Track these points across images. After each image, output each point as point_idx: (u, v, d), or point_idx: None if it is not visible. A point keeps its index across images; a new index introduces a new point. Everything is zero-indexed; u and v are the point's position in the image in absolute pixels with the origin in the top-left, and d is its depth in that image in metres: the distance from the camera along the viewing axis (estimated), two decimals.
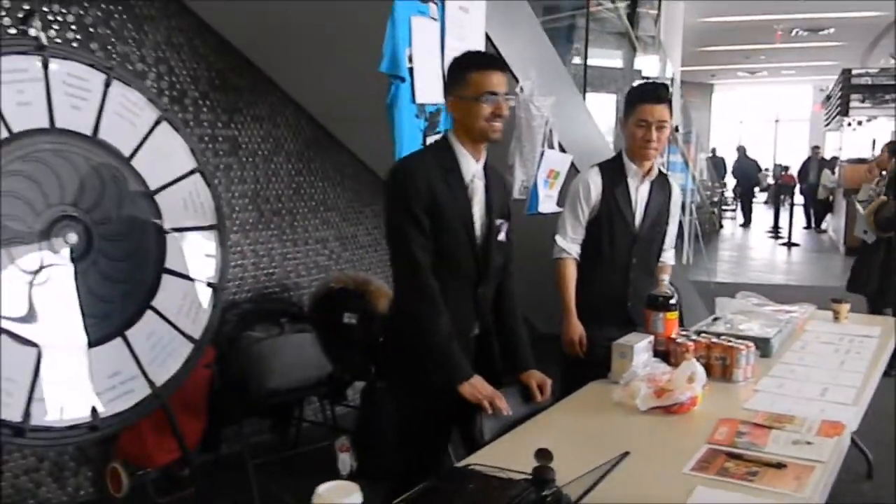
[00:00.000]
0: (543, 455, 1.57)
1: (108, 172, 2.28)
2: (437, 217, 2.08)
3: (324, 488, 1.34)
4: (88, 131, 2.25)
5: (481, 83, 2.06)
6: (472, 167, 2.15)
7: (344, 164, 4.38)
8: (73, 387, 2.19)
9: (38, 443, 2.16)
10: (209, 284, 2.53)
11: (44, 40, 2.19)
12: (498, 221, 2.22)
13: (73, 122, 2.22)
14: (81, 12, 3.21)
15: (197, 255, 2.48)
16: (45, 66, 2.18)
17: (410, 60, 2.63)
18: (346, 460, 3.56)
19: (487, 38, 3.05)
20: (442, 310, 2.07)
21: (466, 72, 2.09)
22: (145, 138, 2.39)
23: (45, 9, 3.08)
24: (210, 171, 3.64)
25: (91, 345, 2.23)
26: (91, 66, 2.30)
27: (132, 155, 2.35)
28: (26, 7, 2.99)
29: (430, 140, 2.75)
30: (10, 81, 2.11)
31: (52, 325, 2.15)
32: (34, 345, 2.12)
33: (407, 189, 2.08)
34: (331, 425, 3.95)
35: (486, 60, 2.15)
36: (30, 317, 2.10)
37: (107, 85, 2.31)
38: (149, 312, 2.37)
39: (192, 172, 2.51)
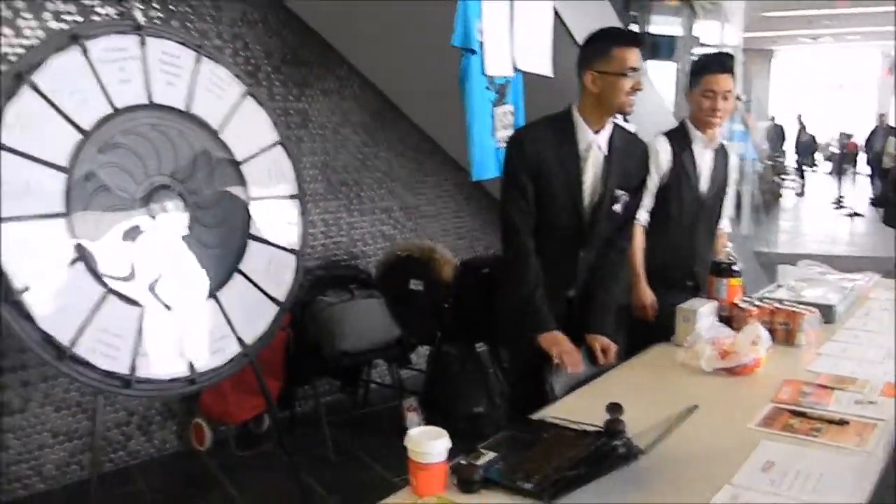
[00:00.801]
0: (614, 408, 1.67)
1: (199, 144, 2.43)
2: (543, 182, 2.21)
3: (415, 431, 1.46)
4: (182, 106, 2.40)
5: (625, 59, 2.13)
6: (588, 137, 2.23)
7: (407, 136, 4.49)
8: (172, 343, 2.37)
9: (142, 393, 2.34)
10: (291, 250, 2.67)
11: (141, 20, 2.33)
12: (617, 192, 2.29)
13: (169, 97, 2.37)
14: None
15: (279, 222, 2.63)
16: (142, 45, 2.33)
17: (480, 34, 2.71)
18: (413, 419, 3.71)
19: (555, 11, 3.10)
20: (531, 266, 2.22)
21: (610, 47, 2.15)
22: (232, 112, 2.53)
23: None
24: None
25: (187, 304, 2.40)
26: (182, 43, 2.44)
27: (221, 128, 2.50)
28: None
29: (499, 111, 2.83)
30: (112, 60, 2.27)
31: (152, 286, 2.33)
32: (137, 303, 2.30)
33: (514, 156, 2.25)
34: (397, 387, 4.12)
35: (629, 37, 2.24)
36: (131, 276, 2.28)
37: (197, 61, 2.45)
38: (237, 276, 2.52)
39: (274, 144, 2.64)
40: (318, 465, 3.47)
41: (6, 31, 2.89)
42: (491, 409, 3.81)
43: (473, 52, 2.69)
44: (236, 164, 2.53)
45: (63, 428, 3.23)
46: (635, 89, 2.15)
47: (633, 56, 2.14)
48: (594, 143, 2.24)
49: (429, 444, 1.43)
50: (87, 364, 2.16)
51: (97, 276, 2.19)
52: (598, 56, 2.16)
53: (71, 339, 2.13)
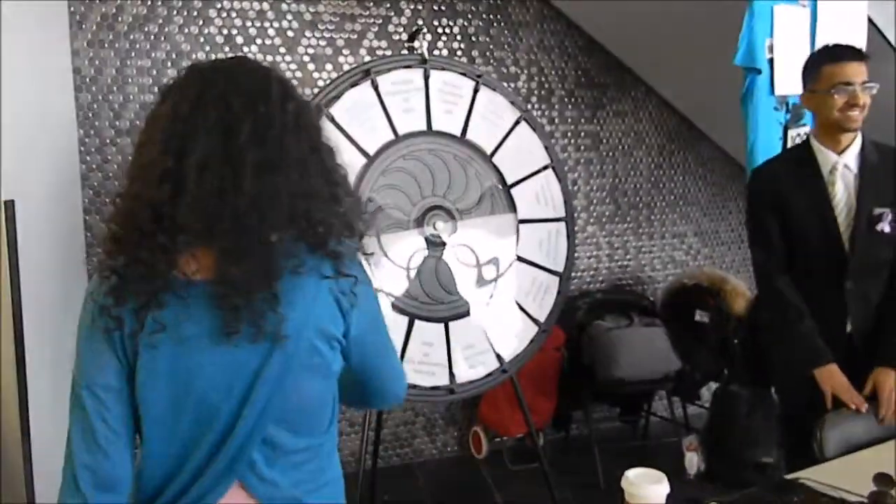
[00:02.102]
0: (883, 480, 1.44)
1: (472, 168, 2.56)
2: (789, 216, 2.15)
3: (633, 473, 1.38)
4: (458, 132, 2.55)
5: (833, 75, 2.08)
6: (831, 159, 2.13)
7: (707, 158, 4.25)
8: (436, 355, 2.52)
9: (409, 397, 2.52)
10: (555, 272, 2.69)
11: (426, 55, 2.53)
12: (877, 211, 2.10)
13: (446, 124, 2.54)
14: (465, 23, 3.62)
15: (545, 244, 2.66)
16: (426, 77, 2.53)
17: (770, 51, 2.50)
18: (692, 459, 3.50)
19: (870, 21, 2.73)
20: (787, 301, 2.13)
21: (819, 66, 2.13)
22: (505, 137, 2.62)
23: (434, 22, 3.55)
24: (569, 166, 3.87)
25: (451, 319, 2.54)
26: (463, 74, 2.59)
27: (494, 152, 2.60)
28: (418, 24, 3.49)
29: (792, 132, 2.57)
30: (398, 92, 2.49)
31: (422, 301, 2.50)
32: (407, 314, 2.49)
33: (752, 195, 2.26)
34: (681, 423, 3.91)
35: (838, 52, 2.13)
36: (406, 293, 2.48)
37: (475, 91, 2.59)
38: (499, 294, 2.61)
39: (544, 168, 2.68)
40: (585, 490, 3.42)
41: (328, 66, 3.33)
42: (782, 460, 3.44)
43: (759, 71, 2.48)
44: (507, 187, 2.61)
45: (359, 419, 3.60)
46: (851, 104, 2.04)
47: (843, 71, 2.07)
48: (839, 164, 2.12)
49: (646, 487, 1.34)
50: None
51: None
52: (810, 76, 2.15)
53: None
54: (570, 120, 3.89)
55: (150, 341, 1.10)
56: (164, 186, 1.08)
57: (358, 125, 2.42)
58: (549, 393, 3.66)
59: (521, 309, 2.63)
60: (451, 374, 2.54)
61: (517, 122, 2.65)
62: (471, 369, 2.56)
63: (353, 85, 2.43)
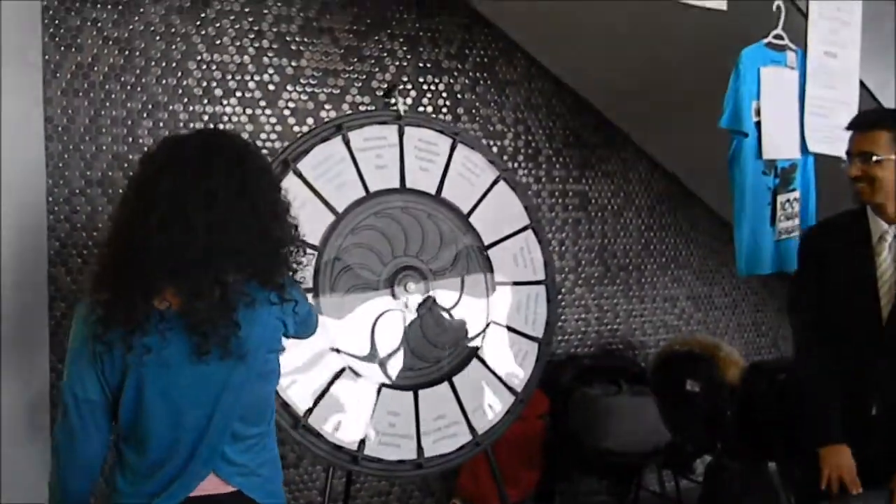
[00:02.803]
0: None
1: (447, 227, 2.46)
2: (830, 282, 2.08)
3: None
4: (433, 190, 2.45)
5: (849, 144, 2.10)
6: (880, 227, 2.06)
7: (699, 220, 4.16)
8: (403, 425, 2.37)
9: (369, 471, 2.37)
10: (534, 339, 2.56)
11: (402, 111, 2.45)
12: None
13: (421, 182, 2.44)
14: (451, 80, 3.57)
15: (524, 309, 2.54)
16: (401, 134, 2.44)
17: (757, 114, 2.42)
18: None
19: (862, 85, 2.66)
20: (819, 373, 2.06)
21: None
22: (483, 196, 2.53)
23: (419, 79, 3.49)
24: (556, 226, 3.78)
25: (421, 387, 2.40)
26: (440, 131, 2.50)
27: (470, 212, 2.50)
28: (402, 80, 3.43)
29: (781, 198, 2.47)
30: (371, 147, 2.40)
31: (389, 365, 2.37)
32: (371, 381, 2.35)
33: (800, 256, 2.23)
34: (672, 498, 3.72)
35: (853, 121, 2.13)
36: (371, 356, 2.35)
37: (452, 148, 2.50)
38: (475, 361, 2.47)
39: (524, 229, 2.58)
40: None
41: (309, 120, 3.26)
42: None
43: (746, 134, 2.40)
44: (483, 248, 2.51)
45: (335, 486, 3.42)
46: (854, 177, 2.02)
47: (853, 140, 2.08)
48: (889, 234, 2.02)
49: None
50: (318, 435, 2.24)
51: (336, 351, 2.29)
52: None
53: (306, 410, 2.23)
54: (557, 179, 3.81)
55: (138, 362, 1.44)
56: (133, 240, 1.43)
57: (326, 181, 2.32)
58: (533, 463, 3.48)
59: (497, 377, 2.49)
60: (420, 448, 2.39)
61: (496, 181, 2.56)
62: (441, 441, 2.41)
63: (324, 140, 2.35)
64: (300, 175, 2.28)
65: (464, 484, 3.51)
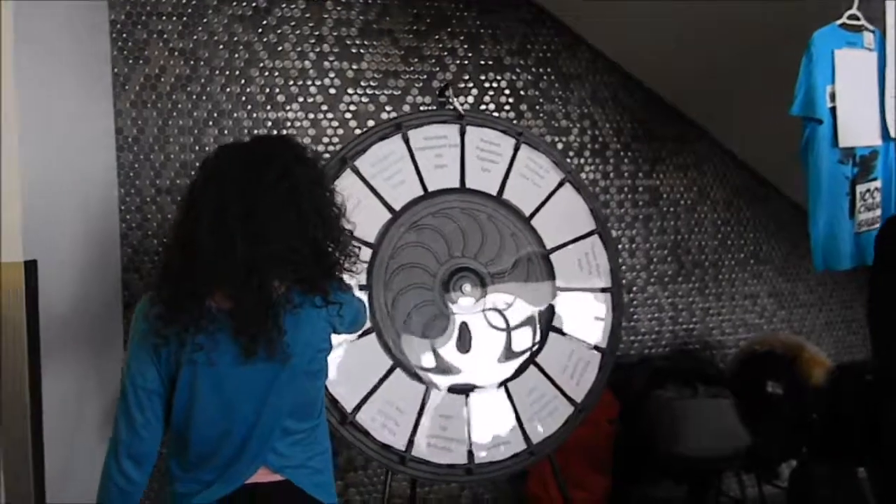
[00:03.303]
0: None
1: (507, 230, 2.40)
2: None
3: None
4: (494, 191, 2.40)
5: None
6: None
7: (781, 213, 3.95)
8: (454, 429, 2.33)
9: (417, 473, 2.33)
10: (596, 348, 2.47)
11: (460, 109, 2.41)
12: None
13: (482, 182, 2.39)
14: (513, 77, 3.50)
15: (587, 316, 2.45)
16: (462, 133, 2.40)
17: (832, 99, 2.26)
18: None
19: None
20: None
21: None
22: (547, 199, 2.46)
23: (481, 76, 3.44)
24: (626, 222, 3.65)
25: (473, 391, 2.35)
26: (503, 131, 2.45)
27: (532, 215, 2.44)
28: (464, 79, 3.39)
29: (861, 188, 2.31)
30: (431, 147, 2.37)
31: (440, 367, 2.33)
32: (422, 382, 2.32)
33: (884, 248, 2.06)
34: None
35: None
36: (425, 358, 2.31)
37: (516, 149, 2.44)
38: (532, 368, 2.41)
39: (590, 234, 2.50)
40: None
41: (370, 122, 3.25)
42: None
43: (820, 121, 2.24)
44: (545, 253, 2.43)
45: (398, 490, 3.41)
46: None
47: None
48: None
49: None
50: (366, 433, 2.23)
51: (388, 350, 2.27)
52: None
53: (354, 407, 2.21)
54: (626, 174, 3.69)
55: (189, 358, 1.52)
56: (187, 247, 1.52)
57: (384, 179, 2.30)
58: (603, 468, 3.38)
59: (556, 386, 2.41)
60: (470, 453, 2.34)
61: (560, 184, 2.48)
62: (493, 448, 2.35)
63: (383, 138, 2.33)
64: (357, 172, 2.27)
65: (532, 489, 3.44)
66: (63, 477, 2.26)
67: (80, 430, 2.57)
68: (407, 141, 2.37)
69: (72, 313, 2.52)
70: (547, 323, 2.42)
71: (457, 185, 2.40)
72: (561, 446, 3.25)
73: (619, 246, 3.69)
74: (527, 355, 2.39)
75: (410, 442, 2.27)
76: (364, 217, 2.25)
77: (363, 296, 2.21)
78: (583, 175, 3.60)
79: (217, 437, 1.56)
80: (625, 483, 3.46)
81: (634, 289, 3.73)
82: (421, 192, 2.35)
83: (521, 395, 2.36)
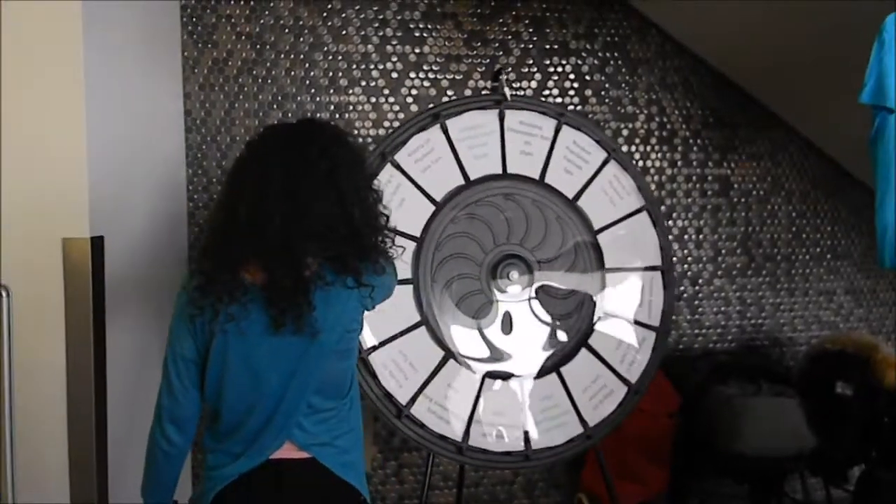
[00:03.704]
0: None
1: (552, 213, 2.37)
2: None
3: None
4: (536, 175, 2.37)
5: None
6: None
7: (861, 206, 3.75)
8: (510, 416, 2.32)
9: (474, 462, 2.34)
10: (650, 327, 2.41)
11: (508, 94, 2.38)
12: None
13: (523, 167, 2.36)
14: (578, 62, 3.43)
15: (638, 296, 2.40)
16: (501, 118, 2.38)
17: None
18: None
19: None
20: None
21: None
22: (591, 179, 2.41)
23: (545, 61, 3.39)
24: (693, 212, 3.55)
25: (526, 377, 2.34)
26: (543, 113, 2.41)
27: (577, 196, 2.39)
28: (528, 63, 3.35)
29: None
30: (470, 136, 2.36)
31: (491, 356, 2.32)
32: (475, 371, 2.32)
33: None
34: None
35: None
36: (478, 348, 2.32)
37: (557, 130, 2.40)
38: (584, 351, 2.37)
39: (638, 211, 2.43)
40: None
41: (415, 108, 3.25)
42: None
43: (891, 110, 2.12)
44: (592, 234, 2.39)
45: (452, 473, 3.43)
46: None
47: None
48: None
49: None
50: (422, 425, 2.25)
51: (438, 341, 2.27)
52: None
53: (409, 399, 2.24)
54: (695, 163, 3.57)
55: (222, 328, 1.56)
56: (227, 222, 1.59)
57: (421, 170, 2.30)
58: (661, 462, 3.31)
59: (609, 368, 2.38)
60: (527, 439, 2.33)
61: (605, 163, 2.43)
62: (550, 433, 2.33)
63: (422, 129, 2.32)
64: (398, 167, 2.29)
65: (587, 479, 3.40)
66: (124, 453, 2.36)
67: (140, 406, 2.69)
68: (446, 131, 2.34)
69: (139, 291, 2.62)
70: (597, 305, 2.38)
71: (499, 171, 2.37)
72: (618, 438, 3.23)
73: (686, 237, 3.59)
74: (576, 339, 2.35)
75: (467, 431, 2.27)
76: (407, 210, 2.27)
77: (408, 288, 2.22)
78: (649, 163, 3.52)
79: (245, 408, 1.60)
80: (683, 478, 3.38)
81: (700, 281, 3.62)
82: (462, 182, 2.34)
83: (575, 379, 2.34)
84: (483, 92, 3.26)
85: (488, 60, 3.33)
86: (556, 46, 3.40)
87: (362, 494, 1.67)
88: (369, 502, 1.70)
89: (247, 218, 1.55)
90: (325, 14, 3.21)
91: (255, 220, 1.54)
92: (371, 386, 2.23)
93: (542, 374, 2.36)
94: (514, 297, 2.34)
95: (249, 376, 1.58)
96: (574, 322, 2.39)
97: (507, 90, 2.38)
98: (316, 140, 1.62)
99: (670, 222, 3.56)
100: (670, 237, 3.55)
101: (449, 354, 2.29)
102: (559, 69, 3.42)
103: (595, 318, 2.39)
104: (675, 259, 3.57)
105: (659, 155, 3.53)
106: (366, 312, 1.71)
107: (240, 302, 1.55)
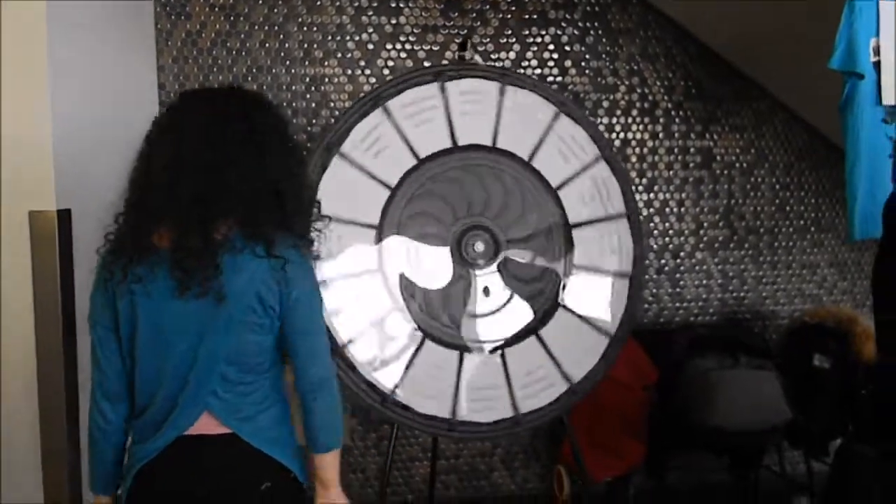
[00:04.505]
0: None
1: (509, 178, 2.34)
2: None
3: None
4: (489, 142, 2.33)
5: None
6: None
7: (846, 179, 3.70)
8: (494, 385, 2.33)
9: (467, 436, 2.39)
10: (622, 275, 2.40)
11: (477, 60, 2.35)
12: None
13: (473, 136, 2.32)
14: (558, 32, 3.39)
15: (606, 245, 2.39)
16: (442, 90, 2.33)
17: (876, 53, 2.09)
18: None
19: None
20: None
21: None
22: (543, 137, 2.37)
23: (524, 31, 3.35)
24: (675, 185, 3.52)
25: (508, 345, 2.35)
26: (485, 77, 2.35)
27: (531, 156, 2.36)
28: (506, 34, 3.31)
29: None
30: (414, 113, 2.32)
31: (468, 329, 2.33)
32: (454, 346, 2.33)
33: (886, 218, 1.94)
34: (802, 482, 3.42)
35: None
36: (449, 321, 2.32)
37: (501, 93, 2.35)
38: (561, 310, 2.37)
39: (595, 161, 2.40)
40: None
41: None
42: None
43: (861, 76, 2.08)
44: (552, 191, 2.37)
45: (426, 443, 3.43)
46: None
47: None
48: None
49: None
50: (407, 408, 2.26)
51: (415, 324, 2.28)
52: None
53: (393, 385, 2.26)
54: (676, 135, 3.54)
55: (129, 289, 1.53)
56: (140, 185, 1.57)
57: (372, 158, 2.28)
58: (638, 436, 3.31)
59: (587, 322, 2.38)
60: (514, 405, 2.33)
61: (555, 118, 2.37)
62: (536, 397, 2.34)
63: (363, 115, 2.29)
64: (346, 157, 2.27)
65: (567, 453, 3.42)
66: None
67: None
68: (388, 112, 2.30)
69: None
70: (568, 260, 2.38)
71: (449, 145, 2.33)
72: (595, 411, 3.24)
73: (667, 210, 3.56)
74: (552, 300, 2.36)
75: (454, 408, 2.28)
76: (363, 200, 2.27)
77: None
78: (630, 135, 3.48)
79: (156, 375, 1.55)
80: (660, 451, 3.39)
81: (682, 254, 3.60)
82: (414, 162, 2.31)
83: (554, 339, 2.34)
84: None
85: (465, 31, 3.29)
86: (534, 16, 3.36)
87: (292, 471, 1.61)
88: (302, 479, 1.64)
89: (159, 180, 1.52)
90: None
91: (166, 182, 1.51)
92: (353, 378, 2.24)
93: (520, 339, 2.35)
94: (483, 267, 2.33)
95: (158, 341, 1.54)
96: (545, 285, 2.38)
97: (476, 56, 2.34)
98: (234, 104, 1.60)
99: (651, 195, 3.53)
100: (651, 210, 3.54)
101: (425, 334, 2.29)
102: (538, 39, 3.37)
103: (567, 273, 2.37)
104: (655, 232, 3.55)
105: (640, 127, 3.49)
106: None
107: (147, 263, 1.52)
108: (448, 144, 2.29)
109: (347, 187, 2.23)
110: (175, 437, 1.54)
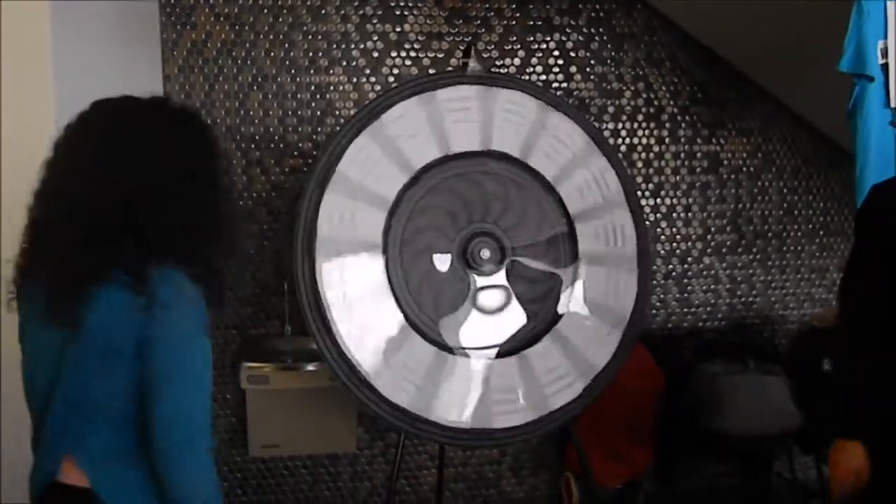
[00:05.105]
0: None
1: (508, 178, 2.34)
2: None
3: None
4: (478, 147, 2.31)
5: None
6: None
7: (854, 181, 3.68)
8: (516, 390, 2.30)
9: (498, 444, 2.36)
10: (630, 266, 2.37)
11: (475, 70, 2.34)
12: None
13: (466, 142, 2.31)
14: (563, 38, 3.39)
15: (611, 237, 2.37)
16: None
17: (884, 55, 2.08)
18: None
19: None
20: (859, 359, 1.82)
21: None
22: (533, 132, 2.35)
23: (528, 38, 3.35)
24: (682, 190, 3.51)
25: (527, 346, 2.33)
26: (467, 83, 2.34)
27: (525, 153, 2.34)
28: (510, 40, 3.31)
29: None
30: (404, 127, 2.29)
31: (467, 331, 2.31)
32: (466, 355, 2.29)
33: (862, 223, 1.89)
34: (814, 488, 3.39)
35: None
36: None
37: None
38: (573, 304, 2.35)
39: (588, 151, 2.37)
40: None
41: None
42: None
43: (871, 79, 2.07)
44: (551, 186, 2.35)
45: (433, 450, 3.42)
46: None
47: None
48: None
49: None
50: (434, 424, 2.23)
51: (432, 340, 2.26)
52: None
53: (373, 370, 2.20)
54: (682, 140, 3.52)
55: (21, 308, 1.44)
56: (37, 199, 1.42)
57: (405, 140, 2.26)
58: (645, 441, 3.29)
59: (597, 317, 2.35)
60: (537, 406, 2.29)
61: (545, 112, 2.35)
62: (558, 395, 2.30)
63: (403, 98, 2.27)
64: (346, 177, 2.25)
65: (571, 458, 3.40)
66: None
67: None
68: (428, 102, 2.30)
69: None
70: (574, 255, 2.36)
71: (479, 147, 2.34)
72: (602, 417, 3.21)
73: (674, 214, 3.55)
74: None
75: (475, 415, 2.25)
76: (382, 181, 2.25)
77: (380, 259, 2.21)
78: (636, 140, 3.48)
79: (33, 405, 1.44)
80: (669, 457, 3.37)
81: (689, 259, 3.58)
82: (440, 155, 2.30)
83: (570, 334, 2.32)
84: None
85: (470, 38, 3.30)
86: (539, 23, 3.36)
87: None
88: None
89: (47, 194, 1.40)
90: None
91: (52, 196, 1.39)
92: (337, 359, 2.21)
93: (537, 340, 2.33)
94: (487, 272, 2.32)
95: (30, 369, 1.44)
96: (555, 280, 2.37)
97: (475, 64, 2.33)
98: (138, 118, 1.42)
99: (658, 200, 3.52)
100: (658, 215, 3.52)
101: (446, 349, 2.26)
102: (543, 46, 3.37)
103: (575, 268, 2.36)
104: (663, 237, 3.54)
105: (646, 132, 3.48)
106: None
107: (29, 284, 1.41)
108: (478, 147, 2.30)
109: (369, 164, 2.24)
110: (43, 484, 1.38)
